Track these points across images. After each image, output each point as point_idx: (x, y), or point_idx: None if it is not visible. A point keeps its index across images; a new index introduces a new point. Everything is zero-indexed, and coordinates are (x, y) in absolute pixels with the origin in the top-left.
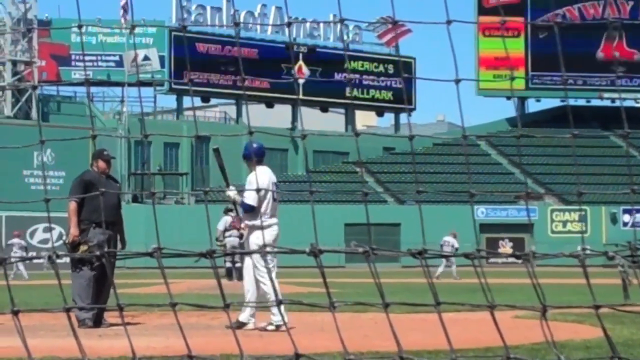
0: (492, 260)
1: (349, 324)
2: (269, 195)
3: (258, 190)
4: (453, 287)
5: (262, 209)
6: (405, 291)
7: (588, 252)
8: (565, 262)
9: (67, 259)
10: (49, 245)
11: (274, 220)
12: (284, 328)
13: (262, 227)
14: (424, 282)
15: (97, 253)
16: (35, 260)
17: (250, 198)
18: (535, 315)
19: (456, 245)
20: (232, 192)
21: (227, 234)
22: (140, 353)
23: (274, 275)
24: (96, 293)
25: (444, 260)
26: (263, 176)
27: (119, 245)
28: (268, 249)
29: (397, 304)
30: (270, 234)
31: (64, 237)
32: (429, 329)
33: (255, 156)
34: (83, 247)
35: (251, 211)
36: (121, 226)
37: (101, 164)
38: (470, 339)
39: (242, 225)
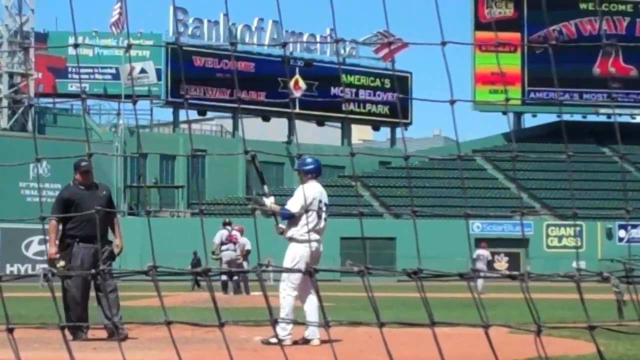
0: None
1: (343, 337)
2: (313, 210)
3: (306, 208)
4: (447, 301)
5: (302, 222)
6: (400, 306)
7: (583, 272)
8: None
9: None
10: (45, 257)
11: (315, 236)
12: (287, 342)
13: (299, 241)
14: (419, 296)
15: (72, 271)
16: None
17: (292, 205)
18: (529, 331)
19: (489, 257)
20: (269, 201)
21: (223, 247)
22: None
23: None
24: (84, 307)
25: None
26: (312, 190)
27: (105, 255)
28: (301, 264)
29: (392, 324)
30: (306, 249)
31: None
32: (424, 343)
33: (312, 172)
34: (60, 263)
35: (290, 219)
36: (107, 236)
37: (78, 176)
38: (464, 354)
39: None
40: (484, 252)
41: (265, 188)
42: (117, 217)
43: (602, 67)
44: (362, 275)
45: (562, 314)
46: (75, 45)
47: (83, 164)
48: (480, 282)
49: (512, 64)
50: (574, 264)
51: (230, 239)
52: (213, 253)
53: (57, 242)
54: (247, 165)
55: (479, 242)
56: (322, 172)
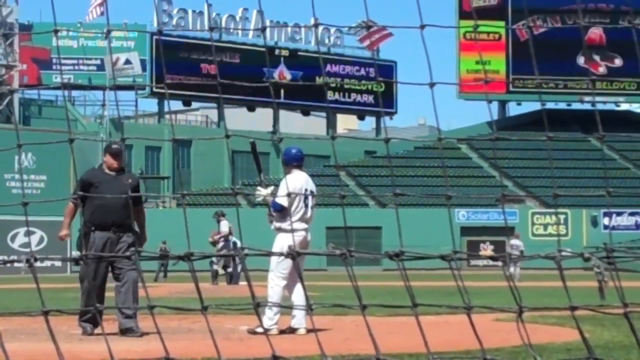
0: (472, 263)
1: (330, 326)
2: (300, 199)
3: (289, 195)
4: (432, 290)
5: (290, 212)
6: (386, 294)
7: (564, 253)
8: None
9: (46, 263)
10: (29, 249)
11: (303, 225)
12: (274, 332)
13: (287, 230)
14: (404, 284)
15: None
16: (16, 264)
17: (282, 198)
18: (515, 319)
19: (522, 247)
20: (265, 191)
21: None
22: (121, 357)
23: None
24: (99, 295)
25: (515, 263)
26: (298, 180)
27: (123, 246)
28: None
29: (375, 306)
30: (295, 239)
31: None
32: (409, 332)
33: (294, 161)
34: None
35: (280, 211)
36: (131, 225)
37: (107, 158)
38: (450, 341)
39: (273, 227)
40: (518, 242)
41: (263, 177)
42: (143, 209)
43: (586, 56)
44: (344, 258)
45: (547, 301)
46: (55, 31)
47: (114, 146)
48: (516, 269)
49: (496, 51)
50: (558, 248)
51: (231, 232)
52: (216, 244)
53: (69, 224)
54: (234, 155)
55: (512, 231)
56: (307, 161)
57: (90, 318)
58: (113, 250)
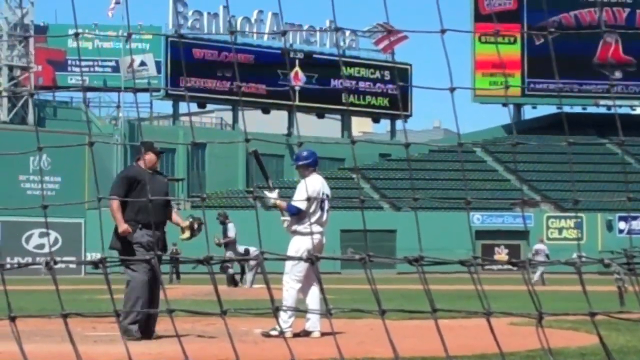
0: (487, 267)
1: (344, 330)
2: (316, 203)
3: (308, 199)
4: (448, 293)
5: (307, 216)
6: (401, 298)
7: (584, 259)
8: (560, 269)
9: (60, 264)
10: (45, 250)
11: (319, 228)
12: (288, 335)
13: (303, 233)
14: (420, 288)
15: (146, 256)
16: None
17: (298, 202)
18: (530, 323)
19: (547, 251)
20: (273, 195)
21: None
22: (136, 359)
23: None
24: (148, 300)
25: (540, 267)
26: (315, 183)
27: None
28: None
29: (393, 311)
30: (309, 242)
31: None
32: (424, 336)
33: (315, 164)
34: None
35: (297, 214)
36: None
37: (151, 157)
38: (466, 345)
39: (289, 229)
40: (542, 247)
41: (270, 182)
42: (174, 209)
43: (602, 58)
44: (363, 262)
45: (564, 306)
46: (76, 34)
47: (156, 145)
48: (537, 273)
49: (512, 54)
50: (575, 256)
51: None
52: (226, 246)
53: (122, 218)
54: (249, 157)
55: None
56: (322, 164)
57: (139, 321)
58: (159, 250)
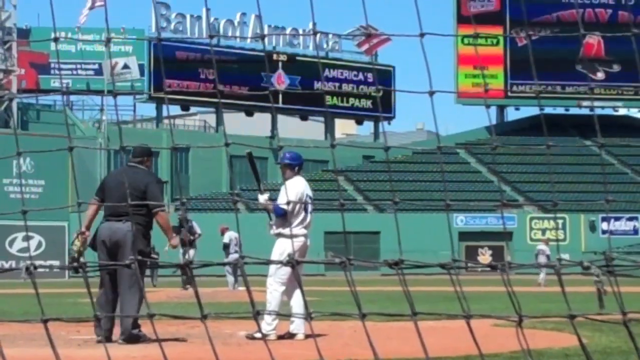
0: (471, 268)
1: (328, 332)
2: (300, 205)
3: (288, 203)
4: (431, 295)
5: (291, 218)
6: (385, 299)
7: (564, 262)
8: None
9: (45, 270)
10: (28, 254)
11: (303, 230)
12: (272, 337)
13: (287, 236)
14: (403, 292)
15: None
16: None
17: (282, 202)
18: (514, 324)
19: (548, 252)
20: (263, 197)
21: (231, 249)
22: None
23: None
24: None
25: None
26: (299, 185)
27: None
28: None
29: (374, 314)
30: (295, 244)
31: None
32: (408, 338)
33: (300, 166)
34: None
35: (283, 216)
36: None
37: (150, 162)
38: (449, 347)
39: (272, 232)
40: (544, 248)
41: (261, 185)
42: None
43: (587, 51)
44: (343, 266)
45: (546, 307)
46: (55, 39)
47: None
48: (542, 275)
49: (494, 56)
50: (557, 257)
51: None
52: (191, 244)
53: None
54: (233, 160)
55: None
56: (306, 165)
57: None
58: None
